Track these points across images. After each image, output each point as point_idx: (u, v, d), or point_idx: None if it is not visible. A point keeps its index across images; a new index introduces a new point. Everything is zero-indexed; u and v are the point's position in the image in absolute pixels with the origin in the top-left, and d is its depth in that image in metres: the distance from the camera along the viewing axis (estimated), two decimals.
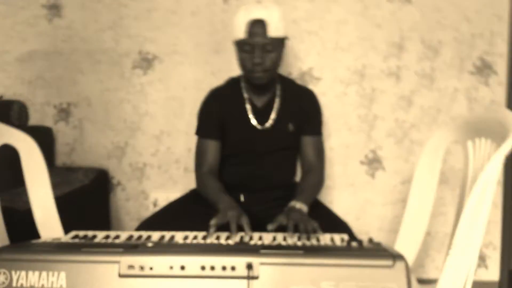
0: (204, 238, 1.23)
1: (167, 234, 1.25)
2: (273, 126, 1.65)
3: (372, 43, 2.09)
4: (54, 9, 2.24)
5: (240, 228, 1.31)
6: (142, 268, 1.01)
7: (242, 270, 0.99)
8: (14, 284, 1.00)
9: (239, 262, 1.00)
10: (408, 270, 0.99)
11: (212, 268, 1.00)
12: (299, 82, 2.00)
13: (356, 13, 2.08)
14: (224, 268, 1.00)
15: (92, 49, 2.23)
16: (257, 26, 1.51)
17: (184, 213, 1.58)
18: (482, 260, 2.14)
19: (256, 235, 1.28)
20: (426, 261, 2.17)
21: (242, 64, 1.57)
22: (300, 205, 1.42)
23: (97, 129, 2.27)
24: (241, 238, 1.25)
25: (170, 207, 1.67)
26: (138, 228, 1.52)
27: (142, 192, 2.27)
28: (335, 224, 1.54)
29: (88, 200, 2.06)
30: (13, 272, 1.01)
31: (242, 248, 1.09)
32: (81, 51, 2.24)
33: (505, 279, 2.15)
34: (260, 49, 1.52)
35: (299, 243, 1.16)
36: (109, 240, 1.17)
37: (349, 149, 2.14)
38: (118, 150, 2.27)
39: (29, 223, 1.40)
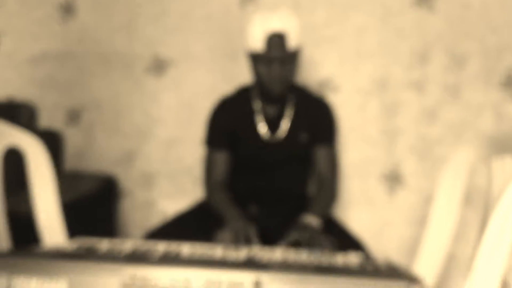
0: (211, 251, 1.23)
1: (174, 245, 1.25)
2: (284, 136, 1.65)
3: (394, 52, 2.08)
4: (68, 10, 2.28)
5: (248, 240, 1.31)
6: (145, 279, 1.01)
7: (249, 287, 0.99)
8: None
9: (247, 278, 0.99)
10: None
11: (219, 283, 1.00)
12: (316, 91, 2.00)
13: (377, 19, 2.07)
14: (231, 284, 1.00)
15: (104, 52, 2.26)
16: (275, 39, 1.50)
17: (192, 225, 1.58)
18: (505, 286, 2.09)
19: (266, 250, 1.27)
20: (451, 286, 2.13)
21: (259, 77, 1.57)
22: (311, 218, 1.41)
23: (107, 134, 2.29)
24: (250, 253, 1.24)
25: (178, 218, 1.67)
26: (145, 238, 1.53)
27: (150, 201, 2.28)
28: (349, 242, 1.53)
29: (95, 207, 2.08)
30: (14, 277, 1.02)
31: (250, 264, 1.09)
32: (93, 53, 2.28)
33: None
34: (278, 62, 1.51)
35: (311, 261, 1.15)
36: (114, 249, 1.18)
37: (368, 164, 2.12)
38: (128, 156, 2.28)
39: (33, 227, 1.41)
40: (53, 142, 2.23)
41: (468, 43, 2.03)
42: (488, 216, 1.29)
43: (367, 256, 1.19)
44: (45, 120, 2.32)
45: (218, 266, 1.04)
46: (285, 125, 1.65)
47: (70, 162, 2.33)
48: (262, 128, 1.65)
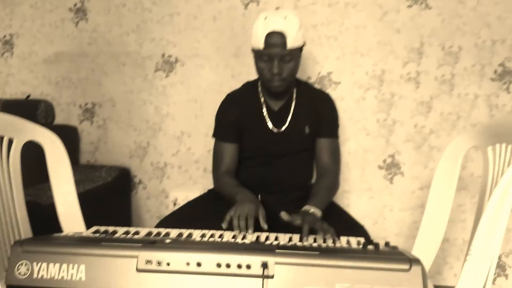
0: (221, 236, 1.22)
1: (185, 232, 1.25)
2: (289, 129, 1.64)
3: (391, 48, 2.06)
4: (80, 13, 2.28)
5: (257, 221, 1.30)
6: (159, 263, 1.01)
7: (257, 269, 0.99)
8: (35, 275, 1.01)
9: (255, 260, 0.99)
10: (424, 274, 0.96)
11: (228, 265, 1.00)
12: (318, 86, 1.99)
13: (375, 18, 2.06)
14: (239, 266, 0.99)
15: (116, 52, 2.27)
16: (275, 37, 1.49)
17: (202, 212, 1.58)
18: (502, 269, 2.08)
19: (272, 235, 1.27)
20: (445, 268, 2.12)
21: (260, 73, 1.57)
22: (313, 210, 1.40)
23: (120, 129, 2.30)
24: (258, 237, 1.24)
25: (188, 206, 1.67)
26: (158, 226, 1.52)
27: (163, 191, 2.29)
28: (351, 226, 1.52)
29: (110, 197, 2.09)
30: (34, 264, 1.02)
31: (258, 247, 1.08)
32: (105, 54, 2.28)
33: None
34: (278, 60, 1.51)
35: (315, 244, 1.14)
36: (129, 236, 1.18)
37: (368, 153, 2.12)
38: (140, 149, 2.29)
39: (52, 217, 1.42)
40: (69, 137, 2.24)
41: (462, 38, 2.02)
42: (484, 201, 1.28)
43: (368, 240, 1.18)
44: (62, 117, 2.33)
45: (228, 249, 1.03)
46: (289, 118, 1.65)
47: (86, 156, 2.34)
48: (268, 121, 1.65)
